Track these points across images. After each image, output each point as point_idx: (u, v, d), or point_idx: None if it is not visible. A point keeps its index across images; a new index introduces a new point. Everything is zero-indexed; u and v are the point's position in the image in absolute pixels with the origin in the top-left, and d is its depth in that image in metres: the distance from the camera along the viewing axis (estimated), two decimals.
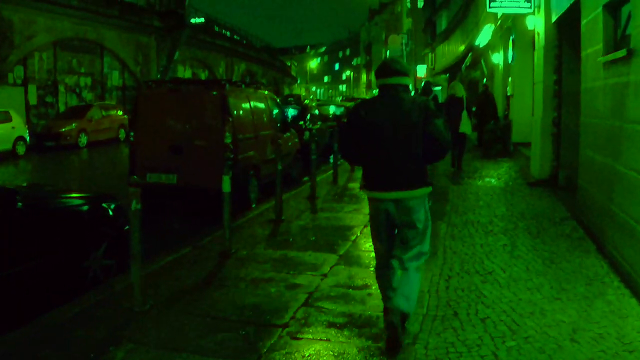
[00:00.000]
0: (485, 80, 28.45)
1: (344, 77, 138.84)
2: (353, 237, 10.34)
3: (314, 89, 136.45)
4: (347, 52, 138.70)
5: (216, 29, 64.57)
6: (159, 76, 46.97)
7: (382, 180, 5.69)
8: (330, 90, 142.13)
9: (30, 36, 36.58)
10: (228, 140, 13.12)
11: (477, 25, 33.04)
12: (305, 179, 17.89)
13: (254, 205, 13.86)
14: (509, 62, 22.10)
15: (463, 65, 35.61)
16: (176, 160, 13.30)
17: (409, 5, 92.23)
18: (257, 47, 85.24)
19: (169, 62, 47.73)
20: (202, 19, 56.05)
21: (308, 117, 21.89)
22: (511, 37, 21.52)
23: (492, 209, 12.30)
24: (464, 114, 17.78)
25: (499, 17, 23.55)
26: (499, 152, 21.34)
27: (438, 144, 5.55)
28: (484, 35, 28.82)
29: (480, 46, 30.13)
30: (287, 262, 8.86)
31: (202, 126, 13.41)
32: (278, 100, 17.64)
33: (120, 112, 37.04)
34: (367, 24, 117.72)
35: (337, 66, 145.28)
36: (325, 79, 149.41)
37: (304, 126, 20.94)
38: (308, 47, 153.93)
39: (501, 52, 25.08)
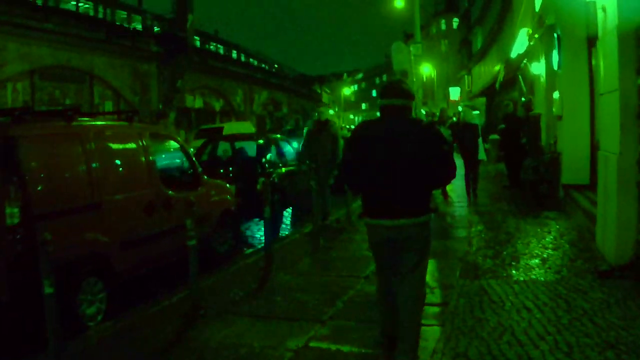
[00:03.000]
0: (523, 98, 21.15)
1: None
2: None
3: (351, 116, 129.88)
4: (384, 77, 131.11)
5: (234, 55, 58.03)
6: (160, 106, 40.94)
7: (384, 207, 5.25)
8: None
9: (0, 65, 30.81)
10: (12, 221, 6.75)
11: (513, 37, 26.28)
12: (248, 251, 11.44)
13: (91, 324, 7.52)
14: (555, 69, 15.00)
15: (497, 84, 28.79)
16: None
17: (443, 27, 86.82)
18: (290, 76, 79.63)
19: (170, 90, 41.50)
20: (197, 42, 49.07)
21: (268, 157, 14.97)
22: (555, 34, 14.57)
23: None
24: (479, 140, 16.44)
25: (536, 9, 16.57)
26: (542, 198, 14.32)
27: (444, 169, 5.29)
28: (520, 43, 22.04)
29: (516, 57, 23.27)
30: None
31: None
32: (178, 138, 10.96)
33: None
34: None
35: (374, 92, 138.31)
36: (363, 106, 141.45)
37: (259, 171, 14.16)
38: (345, 74, 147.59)
39: (542, 60, 17.99)
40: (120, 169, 8.70)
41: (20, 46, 31.66)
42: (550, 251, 9.62)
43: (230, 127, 40.32)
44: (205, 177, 10.93)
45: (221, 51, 54.13)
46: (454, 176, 5.50)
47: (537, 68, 19.04)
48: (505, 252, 9.69)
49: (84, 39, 35.13)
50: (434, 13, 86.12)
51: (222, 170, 14.33)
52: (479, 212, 13.80)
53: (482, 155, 16.60)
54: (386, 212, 5.24)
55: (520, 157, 16.04)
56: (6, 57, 31.05)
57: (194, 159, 10.75)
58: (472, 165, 16.31)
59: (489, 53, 45.90)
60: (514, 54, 23.95)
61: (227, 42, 55.10)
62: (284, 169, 15.24)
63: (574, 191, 13.36)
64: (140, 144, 9.18)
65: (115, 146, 8.74)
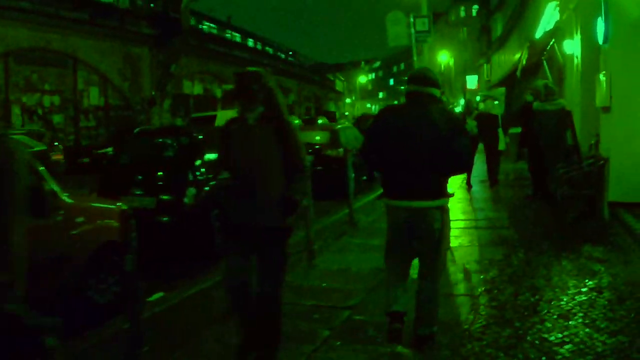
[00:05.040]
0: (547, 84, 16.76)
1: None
2: None
3: (368, 105, 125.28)
4: (402, 66, 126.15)
5: (237, 38, 53.57)
6: (153, 93, 37.13)
7: (404, 189, 5.27)
8: None
9: None
10: None
11: (537, 18, 22.15)
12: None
13: None
14: (600, 43, 10.78)
15: (518, 71, 24.59)
16: None
17: (462, 14, 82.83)
18: (306, 64, 75.78)
19: (164, 76, 37.64)
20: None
21: (199, 162, 10.71)
22: None
23: None
24: (499, 130, 16.70)
25: None
26: (580, 220, 10.30)
27: (460, 158, 5.34)
28: (547, 19, 17.97)
29: (542, 36, 19.18)
30: None
31: None
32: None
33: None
34: None
35: (391, 81, 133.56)
36: (380, 94, 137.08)
37: (190, 178, 10.15)
38: (362, 62, 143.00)
39: (577, 35, 13.89)
40: None
41: None
42: (606, 338, 5.52)
43: (225, 115, 36.12)
44: (63, 195, 6.96)
45: (215, 32, 49.66)
46: (470, 166, 6.24)
47: (571, 46, 14.92)
48: (529, 337, 5.60)
49: (65, 19, 31.45)
50: (453, 0, 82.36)
51: (140, 177, 10.39)
52: (494, 242, 9.66)
53: (502, 146, 16.62)
54: (404, 194, 5.25)
55: (544, 160, 12.10)
56: None
57: (40, 170, 6.73)
58: (492, 156, 16.65)
59: (510, 39, 41.80)
60: (538, 34, 19.84)
61: (230, 25, 50.82)
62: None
63: (625, 212, 9.45)
64: None
65: None
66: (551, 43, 18.76)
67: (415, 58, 21.78)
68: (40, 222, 6.44)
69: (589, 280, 7.17)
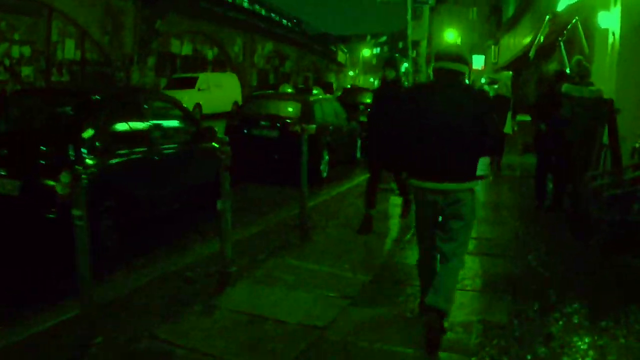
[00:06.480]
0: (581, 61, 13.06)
1: (402, 69, 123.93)
2: None
3: (371, 79, 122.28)
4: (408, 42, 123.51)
5: None
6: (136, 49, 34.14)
7: (433, 170, 5.02)
8: None
9: None
10: None
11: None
12: None
13: None
14: None
15: (532, 50, 21.62)
16: None
17: None
18: (311, 34, 72.88)
19: (149, 32, 34.57)
20: None
21: (90, 132, 7.44)
22: None
23: None
24: (509, 114, 16.02)
25: None
26: (620, 254, 7.26)
27: (493, 137, 5.10)
28: None
29: (565, 9, 16.18)
30: None
31: None
32: None
33: None
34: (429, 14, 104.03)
35: (397, 57, 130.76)
36: None
37: (71, 156, 7.01)
38: (368, 36, 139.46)
39: (616, 7, 10.79)
40: None
41: None
42: None
43: (207, 78, 33.39)
44: None
45: None
46: (503, 144, 5.68)
47: (606, 20, 11.74)
48: None
49: None
50: None
51: (6, 152, 7.25)
52: (496, 285, 6.44)
53: (508, 129, 16.03)
54: (432, 175, 5.02)
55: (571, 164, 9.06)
56: None
57: None
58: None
59: (521, 21, 38.80)
60: (561, 6, 16.72)
61: None
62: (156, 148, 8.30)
63: None
64: None
65: None
66: (573, 22, 15.82)
67: (409, 19, 18.84)
68: None
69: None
